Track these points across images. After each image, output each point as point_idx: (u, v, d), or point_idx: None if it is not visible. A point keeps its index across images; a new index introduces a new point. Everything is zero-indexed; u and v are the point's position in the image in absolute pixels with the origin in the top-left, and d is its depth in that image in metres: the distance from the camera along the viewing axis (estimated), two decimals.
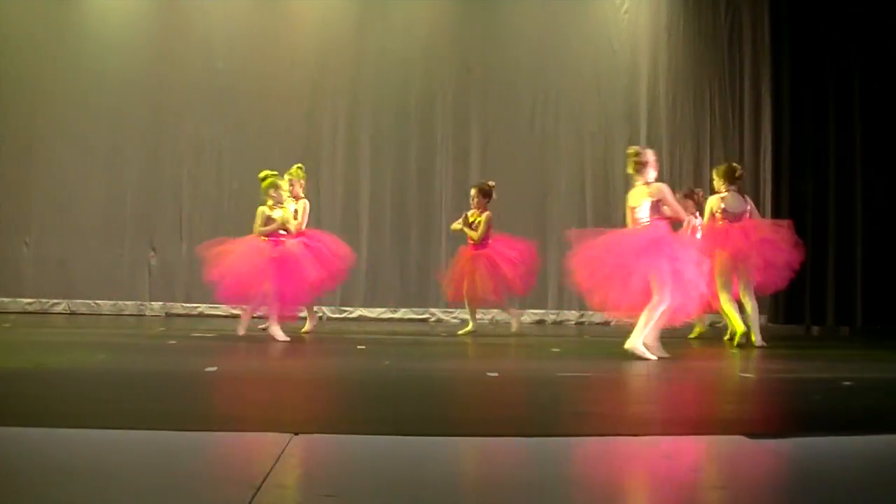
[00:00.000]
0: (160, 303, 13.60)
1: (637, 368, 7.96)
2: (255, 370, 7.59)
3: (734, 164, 10.77)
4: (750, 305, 10.25)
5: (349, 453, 4.28)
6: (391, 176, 14.07)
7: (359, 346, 9.54)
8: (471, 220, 11.46)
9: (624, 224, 9.09)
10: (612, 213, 13.99)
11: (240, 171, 14.03)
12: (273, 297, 10.00)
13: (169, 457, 4.16)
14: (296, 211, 10.44)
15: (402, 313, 13.56)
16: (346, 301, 13.25)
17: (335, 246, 10.57)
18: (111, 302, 13.84)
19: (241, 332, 10.10)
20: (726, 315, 10.44)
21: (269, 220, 10.25)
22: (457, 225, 11.60)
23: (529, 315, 13.83)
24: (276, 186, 10.32)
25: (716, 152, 14.25)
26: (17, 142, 14.02)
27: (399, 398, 6.17)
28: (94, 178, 14.07)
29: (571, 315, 13.99)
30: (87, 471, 3.85)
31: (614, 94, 14.27)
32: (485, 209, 11.44)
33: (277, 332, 9.87)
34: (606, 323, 13.75)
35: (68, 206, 14.06)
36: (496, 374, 7.24)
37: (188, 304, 13.06)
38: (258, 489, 3.48)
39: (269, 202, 10.30)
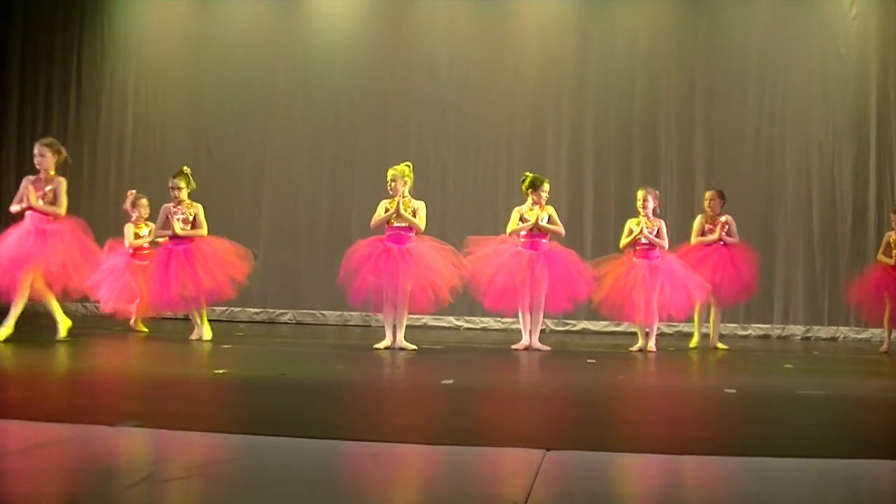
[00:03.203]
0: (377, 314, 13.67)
1: (873, 386, 7.66)
2: (490, 383, 7.56)
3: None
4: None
5: (606, 471, 4.17)
6: (615, 189, 13.95)
7: (588, 360, 9.43)
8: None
9: None
10: (838, 225, 13.57)
11: (463, 185, 14.18)
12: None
13: (425, 471, 4.14)
14: (415, 211, 9.96)
15: (624, 326, 13.37)
16: (570, 314, 13.11)
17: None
18: (337, 313, 14.11)
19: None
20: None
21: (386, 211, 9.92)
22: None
23: (754, 329, 13.50)
24: (394, 179, 9.94)
25: None
26: (251, 158, 14.54)
27: (642, 414, 6.06)
28: (321, 192, 14.45)
29: (797, 330, 13.58)
30: (345, 482, 3.87)
31: (843, 103, 13.81)
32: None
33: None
34: (833, 339, 13.37)
35: (296, 219, 14.45)
36: (734, 391, 7.03)
37: (413, 315, 13.07)
38: None
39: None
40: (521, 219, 10.36)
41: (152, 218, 11.05)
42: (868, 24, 13.89)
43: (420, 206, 9.97)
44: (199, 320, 10.37)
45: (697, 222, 11.23)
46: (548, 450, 4.28)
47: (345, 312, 14.01)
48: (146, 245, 11.11)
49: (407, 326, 9.98)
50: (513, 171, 13.88)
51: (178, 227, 10.23)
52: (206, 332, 10.35)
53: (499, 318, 13.65)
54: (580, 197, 14.09)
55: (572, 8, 14.45)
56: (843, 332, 13.50)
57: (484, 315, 13.67)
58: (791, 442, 4.99)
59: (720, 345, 11.19)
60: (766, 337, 13.51)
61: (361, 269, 9.74)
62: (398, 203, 9.80)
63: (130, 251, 11.10)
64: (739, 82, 13.98)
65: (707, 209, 11.17)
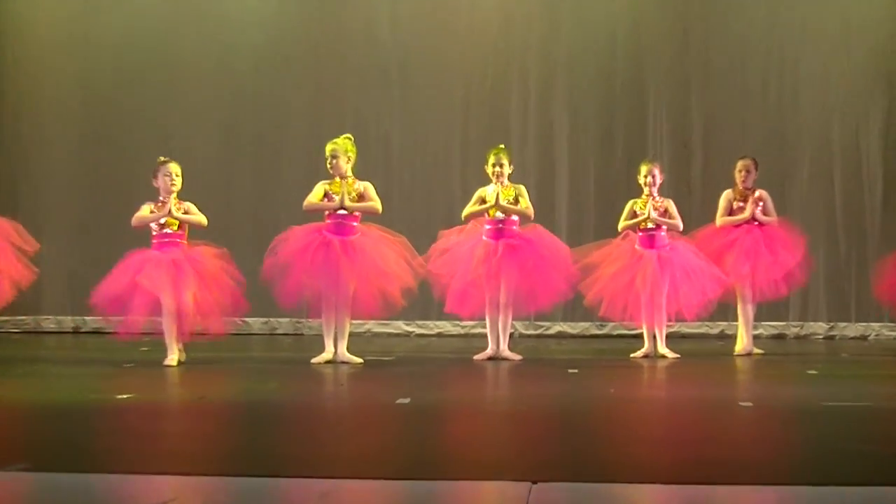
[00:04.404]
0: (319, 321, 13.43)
1: None
2: (455, 402, 7.56)
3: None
4: None
5: None
6: (594, 167, 13.88)
7: (570, 370, 9.45)
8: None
9: None
10: (866, 201, 13.61)
11: (411, 161, 14.06)
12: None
13: None
14: (362, 194, 9.87)
15: (609, 328, 13.37)
16: (543, 314, 13.06)
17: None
18: (262, 319, 13.98)
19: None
20: None
21: (327, 196, 9.84)
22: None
23: (766, 328, 13.53)
24: (334, 155, 9.86)
25: None
26: (152, 138, 14.00)
27: (641, 435, 6.07)
28: (241, 176, 14.16)
29: (819, 328, 13.63)
30: None
31: (869, 53, 13.75)
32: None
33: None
34: (863, 337, 13.43)
35: (210, 209, 14.13)
36: (750, 404, 7.07)
37: (355, 321, 12.94)
38: None
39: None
40: (483, 201, 10.33)
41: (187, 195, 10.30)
42: None
43: (367, 186, 9.90)
44: None
45: (724, 198, 11.02)
46: (534, 482, 4.29)
47: (272, 319, 13.88)
48: (167, 228, 9.91)
49: (350, 334, 9.94)
50: (470, 146, 13.77)
51: None
52: None
53: (456, 322, 13.58)
54: (552, 174, 13.99)
55: None
56: (874, 329, 13.52)
57: (439, 318, 13.58)
58: (820, 465, 5.02)
59: (755, 350, 11.09)
60: (780, 337, 13.49)
61: (295, 263, 9.67)
62: (343, 194, 9.74)
63: (154, 238, 9.94)
64: (742, 31, 13.92)
65: (738, 182, 10.99)
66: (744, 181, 10.95)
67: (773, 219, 10.93)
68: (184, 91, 14.35)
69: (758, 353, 10.97)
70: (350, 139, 9.98)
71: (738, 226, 10.87)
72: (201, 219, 10.07)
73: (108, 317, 10.23)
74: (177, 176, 9.96)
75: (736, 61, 13.91)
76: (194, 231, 10.14)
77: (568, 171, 13.98)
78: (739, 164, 11.01)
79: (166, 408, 7.11)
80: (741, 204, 10.93)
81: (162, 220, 9.85)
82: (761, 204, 10.89)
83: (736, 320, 11.36)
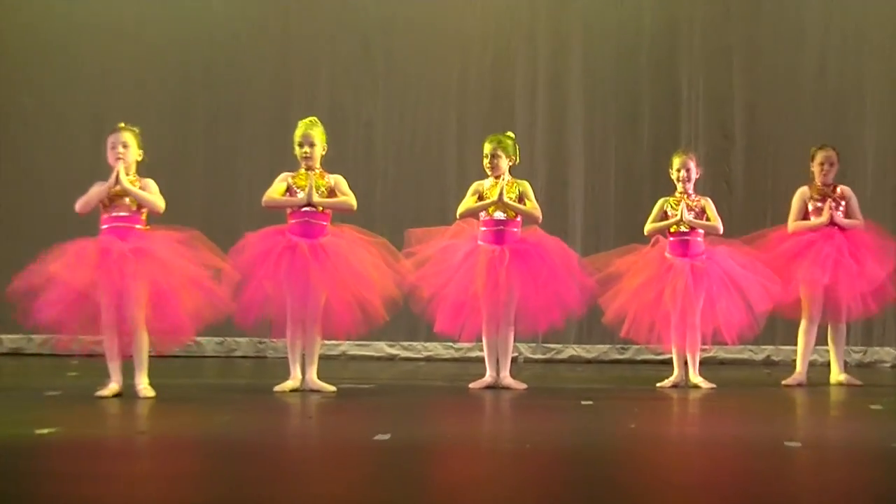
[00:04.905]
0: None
1: None
2: (445, 439, 7.54)
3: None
4: None
5: None
6: (615, 151, 13.89)
7: (584, 402, 9.44)
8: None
9: None
10: None
11: (397, 152, 14.05)
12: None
13: None
14: (332, 189, 9.88)
15: (632, 352, 13.36)
16: (553, 336, 13.03)
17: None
18: (217, 339, 13.92)
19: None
20: None
21: (290, 191, 9.86)
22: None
23: (820, 353, 13.49)
24: (308, 141, 9.90)
25: None
26: (85, 123, 13.99)
27: (668, 481, 6.06)
28: (192, 169, 14.09)
29: (886, 354, 13.60)
30: None
31: None
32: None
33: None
34: None
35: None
36: (798, 445, 7.06)
37: (329, 342, 12.87)
38: None
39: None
40: (480, 196, 10.32)
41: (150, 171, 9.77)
42: None
43: (338, 179, 9.92)
44: None
45: (799, 198, 10.96)
46: None
47: (228, 339, 13.84)
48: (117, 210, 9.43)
49: (321, 358, 9.93)
50: (467, 131, 13.79)
51: None
52: None
53: (449, 344, 13.56)
54: (565, 167, 14.01)
55: None
56: None
57: (428, 339, 13.58)
58: None
59: (842, 377, 11.08)
60: None
61: (255, 272, 9.66)
62: (310, 187, 9.71)
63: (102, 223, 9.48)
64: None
65: (817, 177, 10.97)
66: (825, 176, 10.91)
67: (857, 221, 10.91)
68: (122, 62, 14.29)
69: (840, 381, 11.02)
70: (317, 123, 9.94)
71: (815, 229, 10.81)
72: (157, 201, 9.40)
73: (23, 314, 9.39)
74: (125, 147, 9.45)
75: (787, 33, 13.91)
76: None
77: (584, 164, 14.00)
78: (820, 156, 10.97)
79: (97, 445, 7.08)
80: (820, 204, 10.85)
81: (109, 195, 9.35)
82: (843, 204, 10.82)
83: (790, 344, 11.31)
